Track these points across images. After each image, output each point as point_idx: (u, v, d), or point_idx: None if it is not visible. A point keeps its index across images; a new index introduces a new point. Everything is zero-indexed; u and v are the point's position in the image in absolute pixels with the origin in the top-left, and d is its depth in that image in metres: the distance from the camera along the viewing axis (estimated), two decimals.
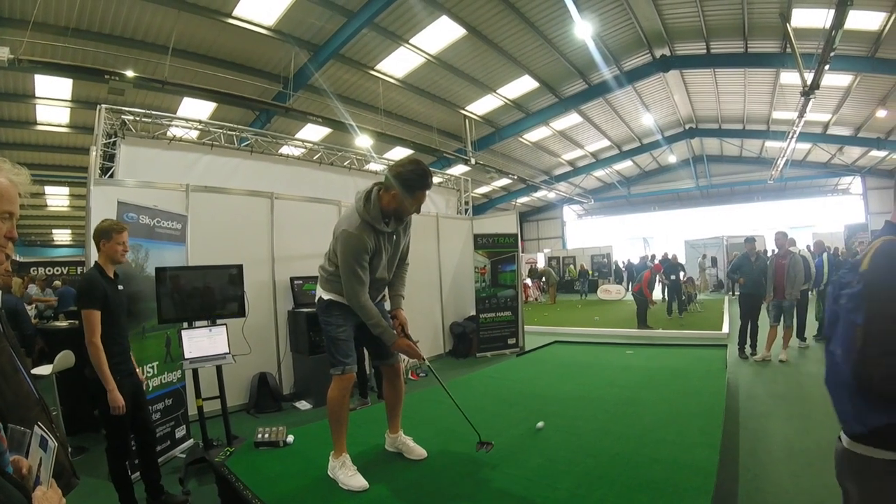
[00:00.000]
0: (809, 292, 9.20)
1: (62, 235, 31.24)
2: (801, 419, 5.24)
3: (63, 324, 7.44)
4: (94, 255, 4.54)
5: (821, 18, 9.68)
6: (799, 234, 14.39)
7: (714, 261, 23.67)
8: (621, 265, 27.17)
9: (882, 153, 20.30)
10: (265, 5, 9.95)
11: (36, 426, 1.25)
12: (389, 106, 14.47)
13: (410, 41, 11.96)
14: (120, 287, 3.66)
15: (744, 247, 8.81)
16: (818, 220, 24.82)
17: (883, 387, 1.44)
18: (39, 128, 13.92)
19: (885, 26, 10.83)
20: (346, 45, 11.41)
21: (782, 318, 8.03)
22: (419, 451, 3.56)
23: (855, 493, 1.62)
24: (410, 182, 3.14)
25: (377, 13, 10.28)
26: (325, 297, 3.39)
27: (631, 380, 5.83)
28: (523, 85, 15.61)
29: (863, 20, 10.54)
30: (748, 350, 8.39)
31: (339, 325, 3.34)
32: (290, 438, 3.90)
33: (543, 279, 23.46)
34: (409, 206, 3.22)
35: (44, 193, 21.32)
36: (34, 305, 10.30)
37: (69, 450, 4.83)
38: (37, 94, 12.13)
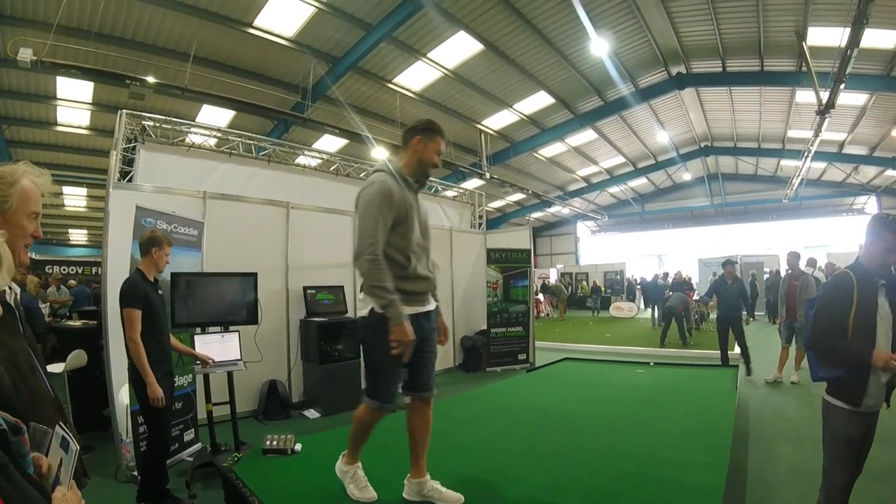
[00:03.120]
0: None
1: (78, 235, 31.57)
2: (811, 441, 5.14)
3: (77, 323, 7.53)
4: (112, 257, 4.67)
5: (836, 37, 9.65)
6: (814, 253, 14.26)
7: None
8: (635, 282, 27.06)
9: None
10: (285, 17, 10.12)
11: (58, 426, 1.29)
12: (406, 119, 14.55)
13: (428, 55, 12.10)
14: (160, 291, 3.89)
15: (722, 269, 8.78)
16: (833, 240, 24.56)
17: (819, 352, 2.73)
18: (60, 128, 14.18)
19: None
20: (365, 58, 11.57)
21: (794, 340, 7.95)
22: (455, 497, 3.05)
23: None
24: (425, 126, 3.09)
25: (396, 27, 10.42)
26: (374, 305, 2.84)
27: (639, 398, 5.82)
28: (539, 101, 15.68)
29: (878, 38, 10.50)
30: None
31: (390, 351, 2.75)
32: (299, 447, 3.93)
33: (555, 295, 23.36)
34: (431, 152, 3.07)
35: (62, 193, 21.63)
36: (48, 304, 10.45)
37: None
38: (58, 96, 12.35)
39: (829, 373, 2.70)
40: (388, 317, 2.73)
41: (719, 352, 8.68)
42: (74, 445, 1.24)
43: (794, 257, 8.14)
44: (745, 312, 8.58)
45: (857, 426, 2.63)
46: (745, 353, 8.32)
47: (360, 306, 2.97)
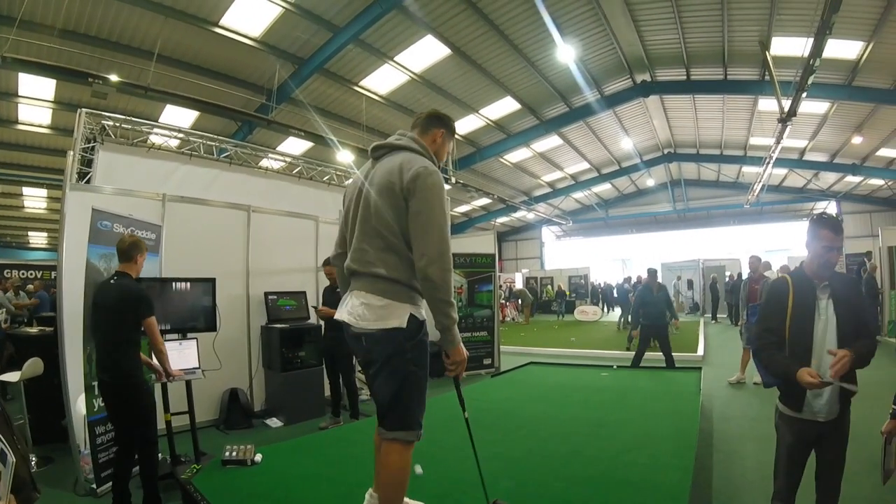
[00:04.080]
0: None
1: (38, 238, 30.60)
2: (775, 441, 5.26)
3: (34, 330, 7.25)
4: (68, 261, 4.47)
5: (800, 47, 9.92)
6: (774, 257, 14.62)
7: (690, 283, 23.96)
8: (599, 287, 27.45)
9: (857, 179, 20.95)
10: (252, 17, 9.98)
11: None
12: (372, 122, 14.49)
13: (395, 58, 12.05)
14: None
15: (647, 279, 8.78)
16: (794, 244, 25.27)
17: (761, 361, 2.78)
18: (20, 127, 13.66)
19: (862, 55, 11.18)
20: (331, 60, 11.46)
21: None
22: None
23: None
24: (451, 123, 2.81)
25: (363, 29, 10.36)
26: (414, 312, 2.43)
27: (605, 401, 5.85)
28: (505, 106, 15.82)
29: (841, 49, 10.88)
30: None
31: (426, 364, 2.49)
32: (259, 457, 3.83)
33: (520, 300, 23.50)
34: (445, 152, 2.80)
35: (21, 194, 20.94)
36: (4, 310, 10.03)
37: (33, 460, 4.70)
38: (20, 93, 11.94)
39: (772, 380, 2.74)
40: (449, 335, 2.40)
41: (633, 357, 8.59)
42: (11, 457, 1.17)
43: (755, 260, 8.34)
44: (671, 318, 8.54)
45: (798, 433, 2.66)
46: (670, 361, 8.31)
47: (362, 313, 2.41)
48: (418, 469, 2.89)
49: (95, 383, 4.16)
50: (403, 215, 2.36)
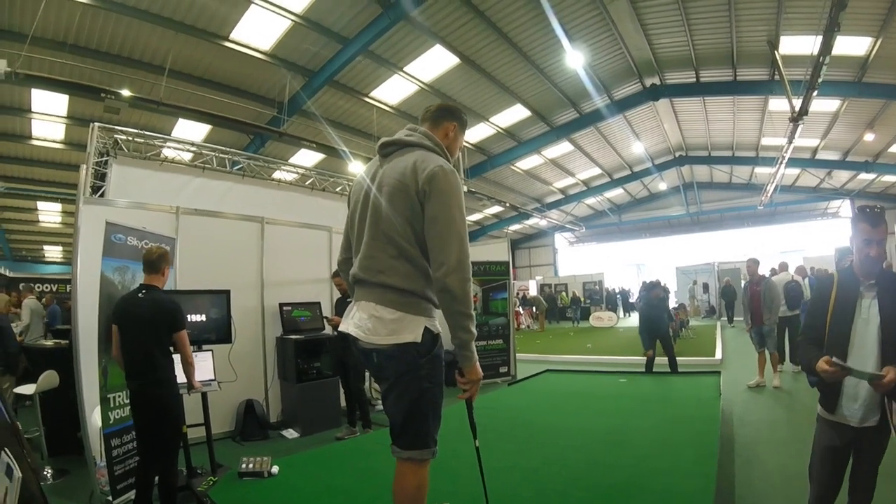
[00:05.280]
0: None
1: (53, 252, 30.96)
2: (797, 443, 5.13)
3: (49, 343, 7.29)
4: (83, 274, 4.49)
5: (808, 45, 9.83)
6: (790, 257, 14.43)
7: (706, 287, 23.73)
8: (615, 292, 27.28)
9: (870, 176, 20.62)
10: (262, 30, 10.04)
11: (2, 452, 1.20)
12: (383, 132, 14.34)
13: (404, 69, 12.08)
14: None
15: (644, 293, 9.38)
16: (808, 244, 25.00)
17: (799, 357, 2.69)
18: (34, 142, 13.83)
19: (871, 51, 11.03)
20: (341, 72, 11.50)
21: (767, 344, 8.00)
22: None
23: None
24: (462, 116, 2.61)
25: (372, 41, 10.38)
26: (429, 326, 2.26)
27: (623, 408, 5.79)
28: (515, 114, 15.78)
29: (849, 46, 10.71)
30: None
31: (441, 381, 2.36)
32: (275, 469, 3.82)
33: (535, 308, 23.40)
34: (457, 147, 2.62)
35: (36, 209, 21.21)
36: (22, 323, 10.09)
37: (48, 473, 4.70)
38: (33, 109, 12.06)
39: (811, 378, 2.60)
40: (467, 352, 2.24)
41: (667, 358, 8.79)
42: (18, 473, 1.15)
43: (753, 263, 8.25)
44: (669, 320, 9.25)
45: (831, 436, 2.55)
46: (673, 365, 8.60)
47: (373, 327, 2.22)
48: None
49: (111, 396, 4.17)
50: (419, 220, 2.18)
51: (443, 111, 2.53)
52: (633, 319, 19.51)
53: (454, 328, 2.18)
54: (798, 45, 10.80)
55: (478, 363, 2.29)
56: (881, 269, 2.51)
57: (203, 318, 5.01)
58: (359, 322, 2.25)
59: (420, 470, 2.29)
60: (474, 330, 2.20)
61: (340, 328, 2.43)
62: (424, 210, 2.17)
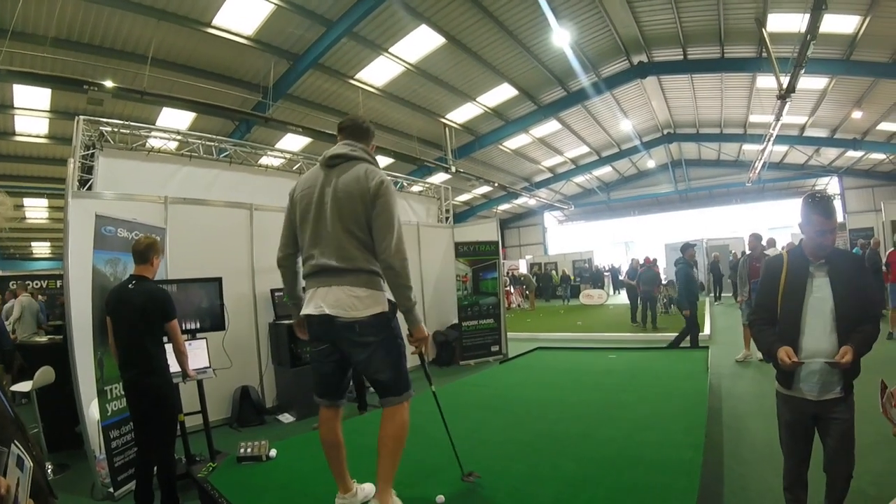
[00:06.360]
0: None
1: (41, 248, 30.69)
2: None
3: (43, 339, 7.29)
4: (73, 268, 4.51)
5: (796, 23, 9.86)
6: (778, 234, 14.54)
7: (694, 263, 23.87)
8: (604, 269, 27.42)
9: (858, 153, 20.76)
10: (244, 15, 9.92)
11: (13, 445, 1.23)
12: (369, 115, 14.44)
13: (390, 50, 11.99)
14: None
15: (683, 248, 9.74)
16: (796, 221, 25.11)
17: (753, 337, 2.80)
18: (18, 138, 13.66)
19: (859, 29, 11.04)
20: (326, 55, 11.41)
21: None
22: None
23: None
24: (373, 132, 3.17)
25: (357, 22, 10.29)
26: (389, 297, 2.80)
27: (613, 383, 5.88)
28: (503, 93, 15.73)
29: (837, 23, 10.73)
30: None
31: (402, 336, 2.91)
32: (273, 452, 3.87)
33: (525, 286, 23.53)
34: None
35: (22, 206, 20.96)
36: (13, 319, 10.05)
37: (49, 468, 4.75)
38: (15, 105, 11.91)
39: (767, 357, 2.73)
40: (412, 316, 2.79)
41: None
42: (29, 463, 1.19)
43: (755, 238, 8.31)
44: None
45: (791, 411, 2.64)
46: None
47: (353, 304, 2.70)
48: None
49: (108, 388, 4.21)
50: (369, 216, 2.72)
51: (367, 131, 3.08)
52: (623, 297, 19.62)
53: (399, 298, 2.74)
54: (786, 22, 10.81)
55: (423, 324, 2.88)
56: (831, 250, 2.56)
57: (196, 305, 5.03)
58: (336, 302, 2.72)
59: (406, 408, 2.84)
60: (415, 298, 2.76)
61: (312, 311, 2.78)
62: (373, 209, 2.71)
